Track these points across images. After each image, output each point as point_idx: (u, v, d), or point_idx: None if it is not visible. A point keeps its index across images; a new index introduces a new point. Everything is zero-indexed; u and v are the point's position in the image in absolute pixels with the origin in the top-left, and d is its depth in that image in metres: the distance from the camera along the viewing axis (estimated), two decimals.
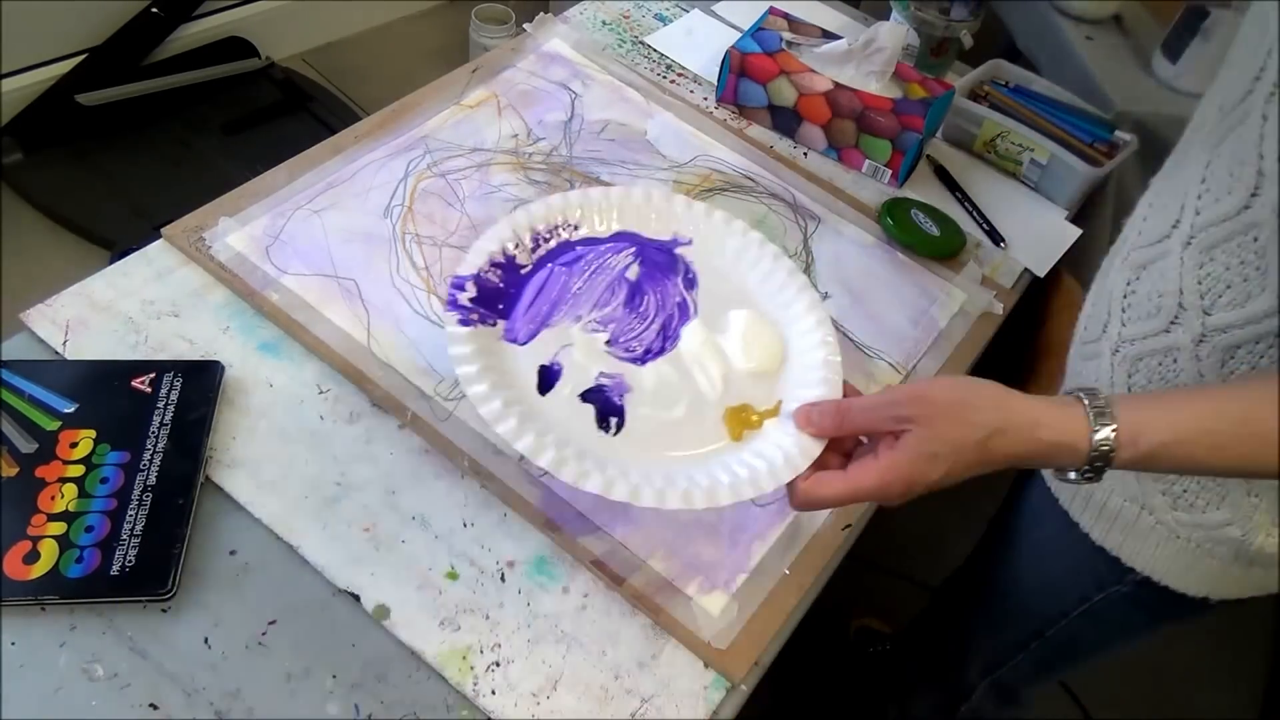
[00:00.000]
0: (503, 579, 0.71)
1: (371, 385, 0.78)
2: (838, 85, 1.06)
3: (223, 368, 0.77)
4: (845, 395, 0.63)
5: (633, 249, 0.71)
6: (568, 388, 0.64)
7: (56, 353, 0.77)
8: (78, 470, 0.69)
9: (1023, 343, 1.08)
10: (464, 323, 0.64)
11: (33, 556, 0.64)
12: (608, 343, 0.66)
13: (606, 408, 0.62)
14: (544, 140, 1.02)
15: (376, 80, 2.24)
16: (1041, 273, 1.04)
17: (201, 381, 0.75)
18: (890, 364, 0.90)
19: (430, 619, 0.68)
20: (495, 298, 0.66)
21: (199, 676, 0.63)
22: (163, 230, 0.86)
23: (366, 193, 0.93)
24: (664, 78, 1.15)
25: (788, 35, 1.11)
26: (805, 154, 1.11)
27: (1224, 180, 0.58)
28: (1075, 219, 1.11)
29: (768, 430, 0.63)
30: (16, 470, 0.68)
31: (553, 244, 0.70)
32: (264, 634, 0.66)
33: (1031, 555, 0.88)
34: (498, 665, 0.67)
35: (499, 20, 2.20)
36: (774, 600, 0.72)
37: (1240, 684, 1.71)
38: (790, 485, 0.59)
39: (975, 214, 1.07)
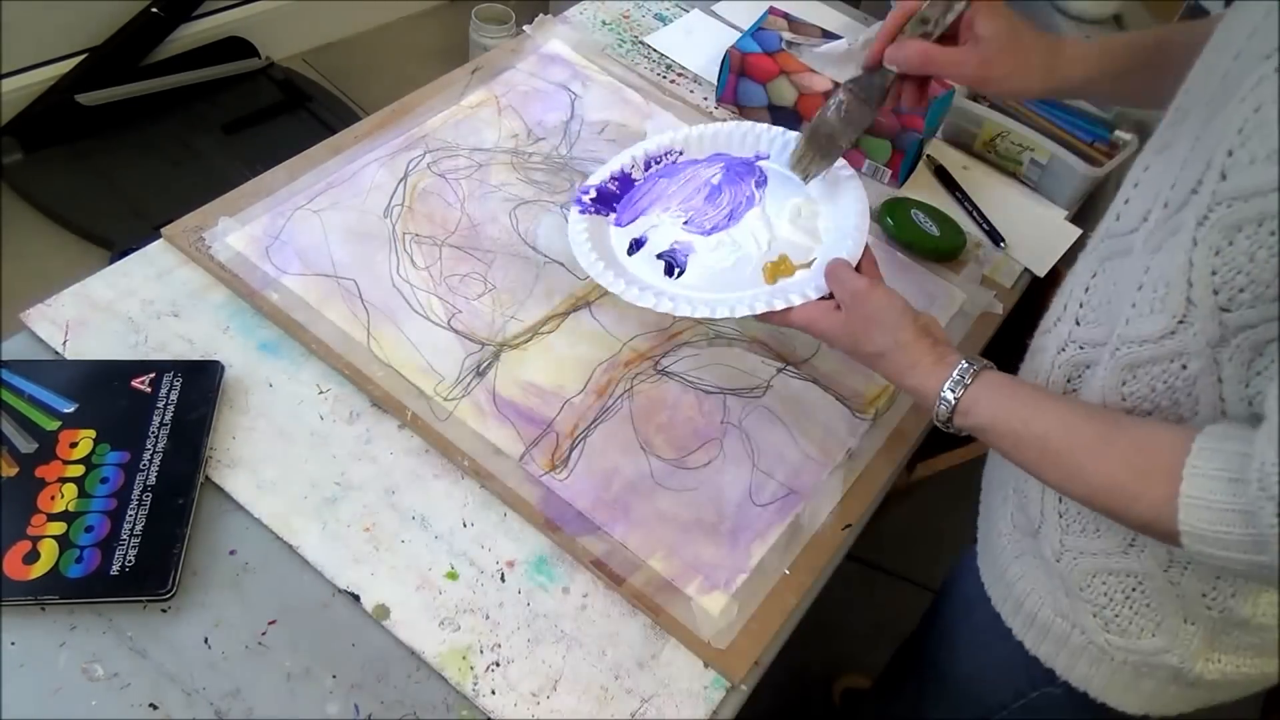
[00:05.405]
0: (502, 579, 0.71)
1: (371, 385, 0.78)
2: (837, 85, 1.06)
3: (223, 368, 0.77)
4: (864, 257, 0.73)
5: (722, 164, 0.87)
6: (649, 251, 0.81)
7: (56, 353, 0.77)
8: (78, 470, 0.69)
9: (1023, 343, 1.08)
10: (583, 211, 0.83)
11: (33, 556, 0.64)
12: (685, 223, 0.83)
13: (673, 262, 0.80)
14: (544, 141, 1.02)
15: (376, 80, 2.23)
16: (1041, 273, 1.04)
17: (201, 381, 0.75)
18: None
19: (430, 619, 0.68)
20: (611, 200, 0.86)
21: (199, 676, 0.63)
22: (163, 230, 0.86)
23: (366, 193, 0.93)
24: (664, 78, 1.15)
25: (788, 35, 1.11)
26: None
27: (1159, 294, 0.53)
28: (1075, 219, 1.11)
29: (799, 277, 0.76)
30: (16, 470, 0.68)
31: (662, 166, 0.88)
32: (264, 634, 0.66)
33: (966, 643, 0.83)
34: (498, 665, 0.67)
35: (499, 20, 2.20)
36: (774, 600, 0.72)
37: None
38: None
39: (975, 214, 1.07)
